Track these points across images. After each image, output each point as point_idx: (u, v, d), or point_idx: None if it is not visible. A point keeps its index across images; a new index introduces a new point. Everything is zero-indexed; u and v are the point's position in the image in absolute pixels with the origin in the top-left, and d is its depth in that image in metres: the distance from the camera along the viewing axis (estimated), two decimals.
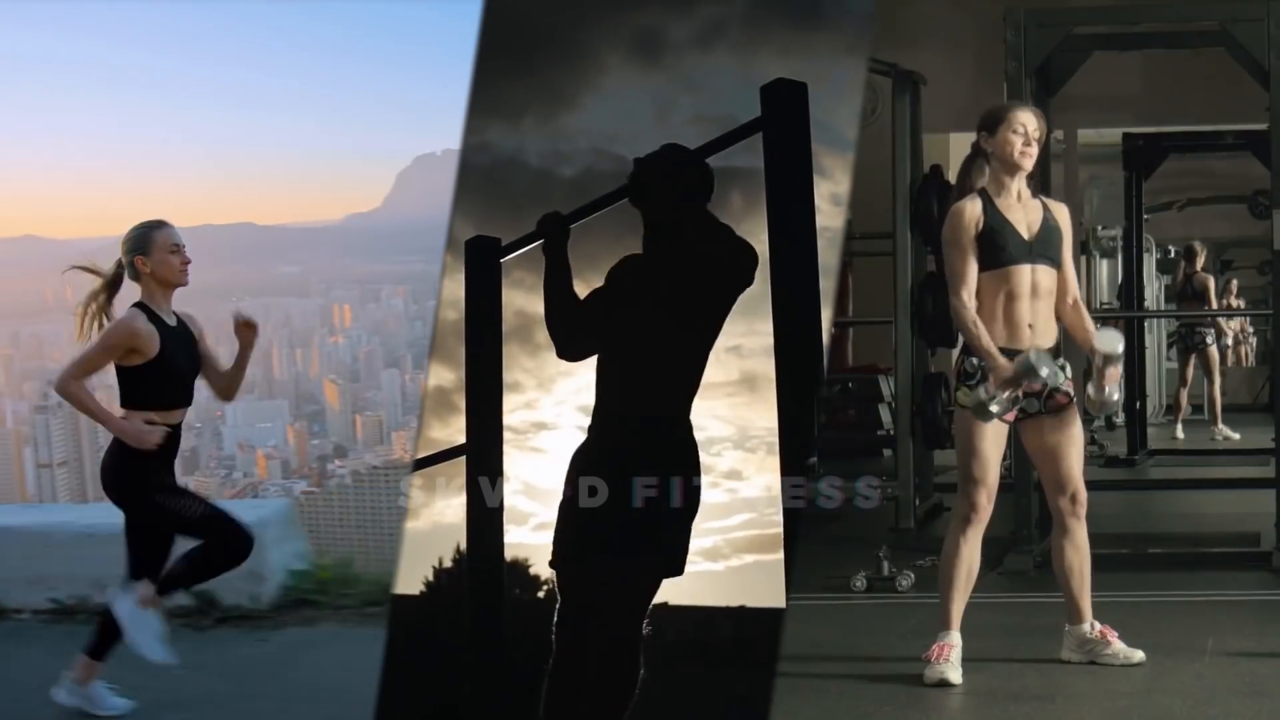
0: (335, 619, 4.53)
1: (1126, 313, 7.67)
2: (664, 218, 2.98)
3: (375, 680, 3.44)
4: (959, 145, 7.27)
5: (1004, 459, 3.83)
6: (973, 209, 3.69)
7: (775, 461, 2.85)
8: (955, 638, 3.69)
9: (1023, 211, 3.71)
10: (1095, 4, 5.25)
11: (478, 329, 3.33)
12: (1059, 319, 3.75)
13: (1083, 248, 7.37)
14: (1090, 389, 3.69)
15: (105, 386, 3.86)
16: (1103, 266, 8.19)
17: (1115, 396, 3.69)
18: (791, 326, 2.80)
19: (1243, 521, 5.18)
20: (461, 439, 3.33)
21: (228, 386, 3.88)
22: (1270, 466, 5.10)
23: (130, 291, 3.76)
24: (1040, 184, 3.94)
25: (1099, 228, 7.89)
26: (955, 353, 3.95)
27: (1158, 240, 8.49)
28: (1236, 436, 7.94)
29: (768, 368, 2.83)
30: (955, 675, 3.64)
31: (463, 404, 3.34)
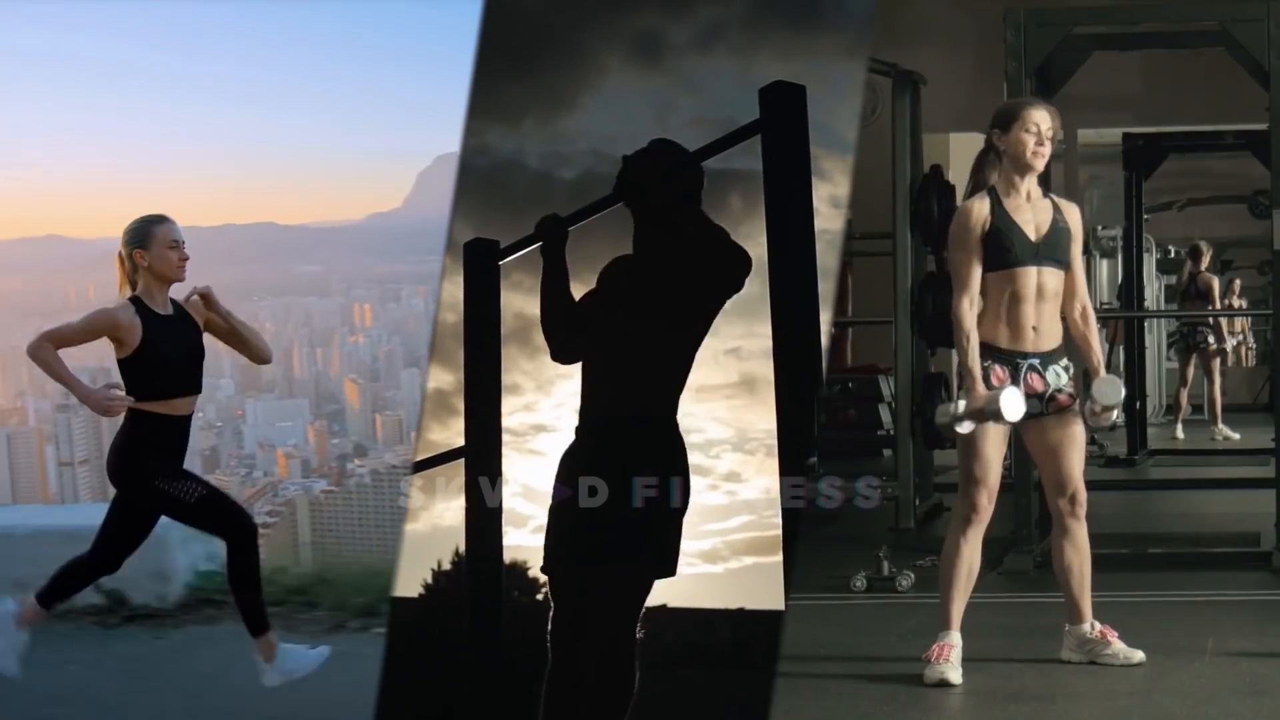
0: (235, 618, 4.55)
1: (1126, 313, 7.63)
2: (657, 217, 2.92)
3: (261, 676, 3.63)
4: (959, 145, 7.27)
5: (1004, 459, 3.78)
6: (979, 209, 3.62)
7: (774, 464, 2.81)
8: (955, 638, 3.65)
9: (1032, 212, 3.64)
10: (1095, 4, 5.23)
11: (477, 331, 3.31)
12: (1065, 321, 3.69)
13: (1083, 248, 7.31)
14: (1085, 413, 3.67)
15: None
16: (1103, 266, 8.15)
17: (1107, 423, 3.69)
18: (790, 329, 2.77)
19: (1243, 521, 5.14)
20: (460, 441, 3.31)
21: (248, 352, 3.88)
22: (1270, 466, 5.06)
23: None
24: (1042, 183, 3.87)
25: (1099, 228, 7.83)
26: (956, 353, 3.89)
27: (1158, 240, 8.45)
28: (1236, 436, 7.91)
29: (766, 370, 2.79)
30: (955, 675, 3.60)
31: (462, 406, 3.32)
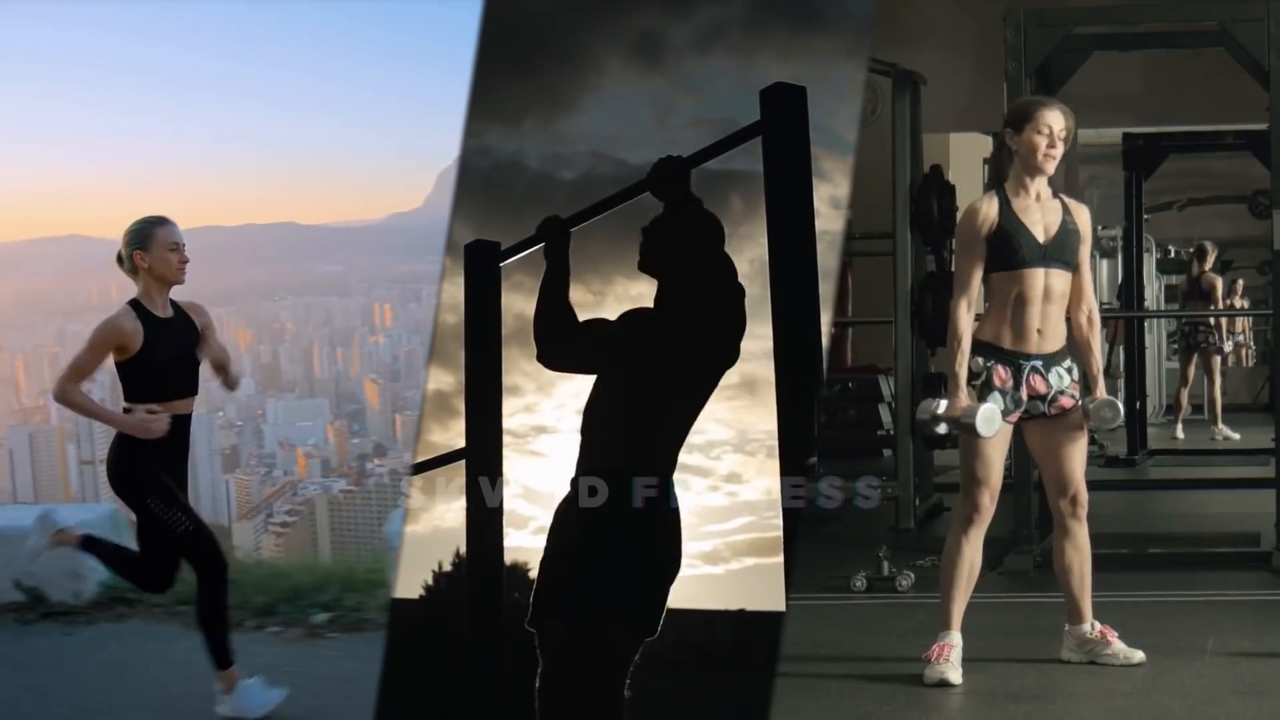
0: (145, 616, 4.82)
1: (1126, 313, 7.58)
2: (683, 278, 2.80)
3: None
4: (959, 145, 7.24)
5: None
6: (986, 210, 3.56)
7: (775, 465, 2.76)
8: (956, 638, 3.61)
9: (1040, 213, 3.58)
10: (1095, 4, 5.18)
11: (477, 333, 3.26)
12: (1070, 324, 3.64)
13: None
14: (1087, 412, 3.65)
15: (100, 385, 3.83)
16: (1103, 266, 8.10)
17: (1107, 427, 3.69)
18: (791, 330, 2.72)
19: (1243, 521, 5.10)
20: (461, 443, 3.26)
21: (225, 379, 3.90)
22: (1270, 466, 5.02)
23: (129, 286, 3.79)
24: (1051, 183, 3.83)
25: (1099, 228, 7.77)
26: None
27: (1158, 240, 8.40)
28: (1236, 436, 7.87)
29: (767, 371, 2.74)
30: (955, 675, 3.56)
31: (462, 408, 3.27)
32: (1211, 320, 8.01)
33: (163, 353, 3.65)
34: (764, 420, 2.77)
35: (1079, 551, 3.68)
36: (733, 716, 2.99)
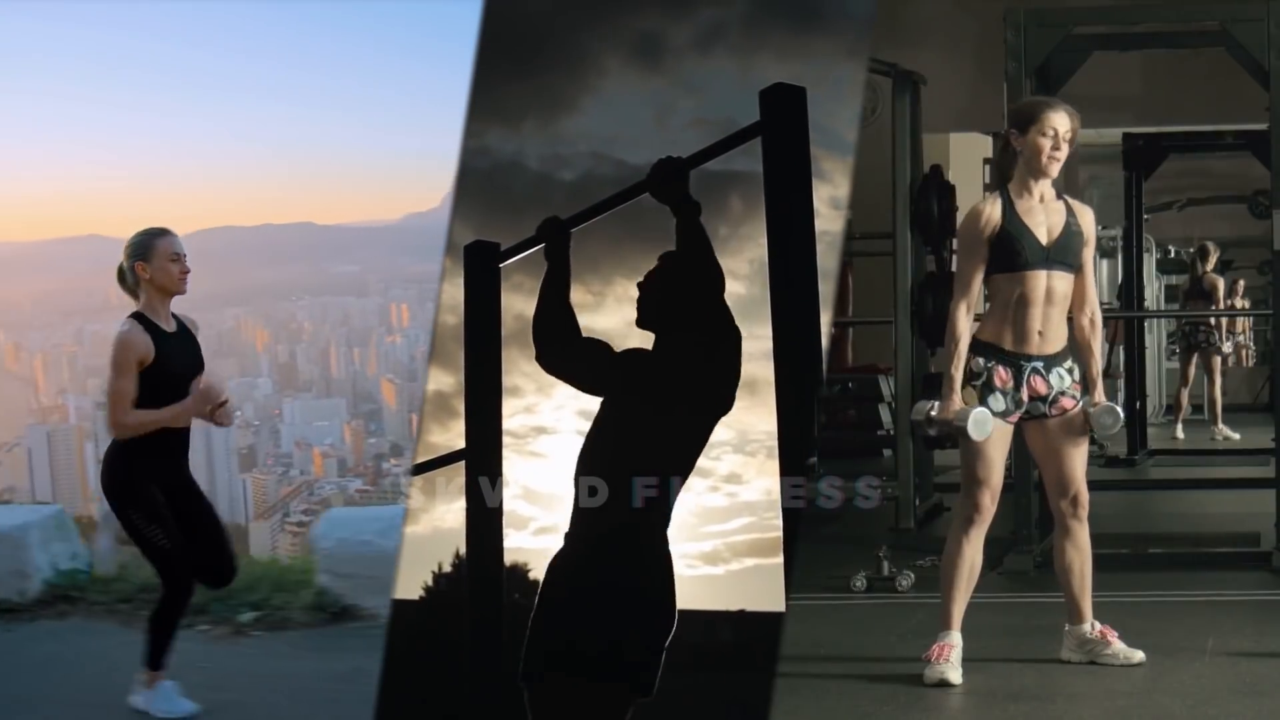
0: (85, 614, 4.86)
1: (1126, 313, 7.53)
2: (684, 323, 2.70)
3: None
4: (959, 145, 7.20)
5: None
6: (989, 212, 3.51)
7: (775, 465, 2.71)
8: (956, 638, 3.57)
9: (1044, 214, 3.53)
10: (1095, 4, 5.18)
11: (477, 333, 3.22)
12: (1072, 325, 3.60)
13: None
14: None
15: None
16: (1103, 266, 8.06)
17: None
18: (791, 331, 2.67)
19: (1243, 521, 5.07)
20: (461, 443, 3.23)
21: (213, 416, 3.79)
22: (1270, 466, 4.99)
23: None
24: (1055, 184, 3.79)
25: (1099, 228, 7.73)
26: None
27: (1158, 240, 8.35)
28: (1236, 436, 7.84)
29: (767, 371, 2.70)
30: (955, 675, 3.52)
31: (462, 408, 3.24)
32: (1212, 320, 7.97)
33: (171, 366, 3.60)
34: (764, 420, 2.73)
35: (1079, 552, 3.64)
36: (733, 716, 2.97)
